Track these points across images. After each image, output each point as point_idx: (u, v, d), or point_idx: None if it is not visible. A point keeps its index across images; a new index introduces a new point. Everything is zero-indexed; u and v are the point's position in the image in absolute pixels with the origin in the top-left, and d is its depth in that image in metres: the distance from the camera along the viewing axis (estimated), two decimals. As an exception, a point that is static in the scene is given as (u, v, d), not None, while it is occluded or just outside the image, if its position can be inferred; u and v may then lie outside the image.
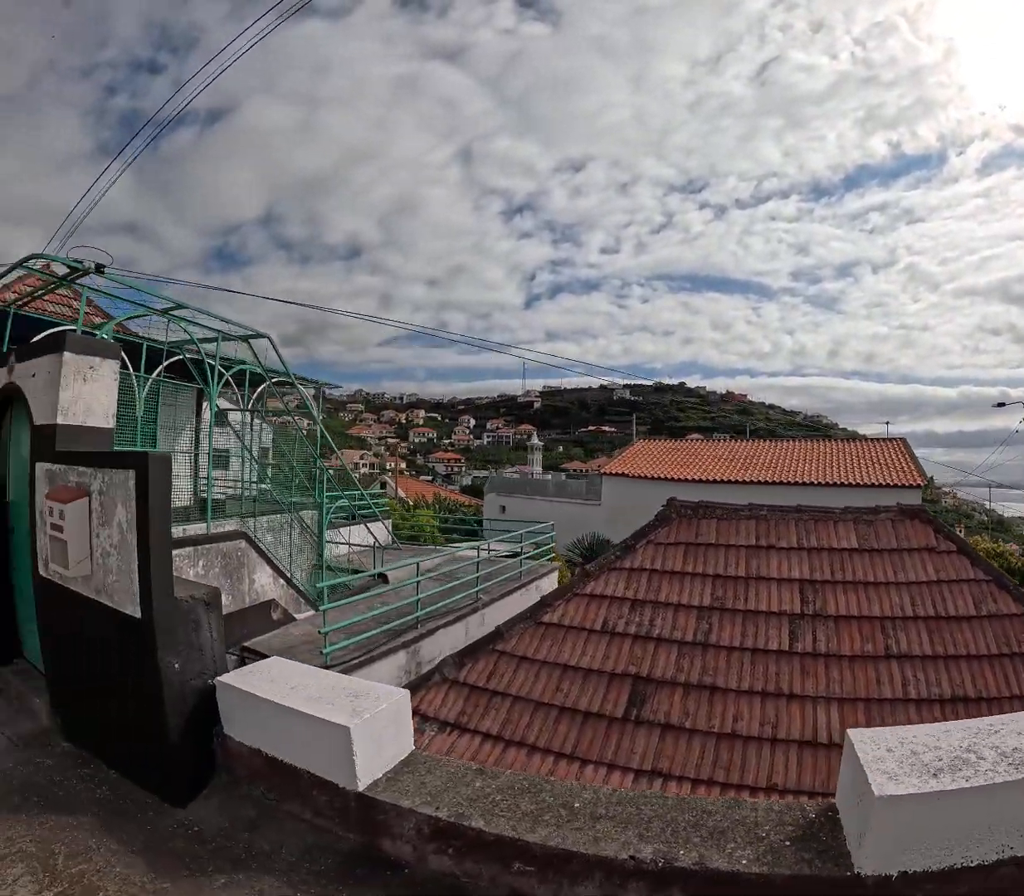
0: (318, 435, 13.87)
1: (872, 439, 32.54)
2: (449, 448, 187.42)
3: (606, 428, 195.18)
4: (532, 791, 3.64)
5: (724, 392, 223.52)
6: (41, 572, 5.74)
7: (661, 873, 2.89)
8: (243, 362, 10.33)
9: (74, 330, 5.71)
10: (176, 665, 4.54)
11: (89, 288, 6.66)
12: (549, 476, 57.06)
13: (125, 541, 4.60)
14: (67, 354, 5.38)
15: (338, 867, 3.79)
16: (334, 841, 3.98)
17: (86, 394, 5.52)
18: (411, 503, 47.63)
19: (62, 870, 3.85)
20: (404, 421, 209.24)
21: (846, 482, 26.28)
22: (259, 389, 12.95)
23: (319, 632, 6.97)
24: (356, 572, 12.84)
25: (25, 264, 6.11)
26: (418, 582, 8.74)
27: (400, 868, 3.64)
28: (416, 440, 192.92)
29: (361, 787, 3.79)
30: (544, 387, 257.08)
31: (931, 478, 26.76)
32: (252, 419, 13.05)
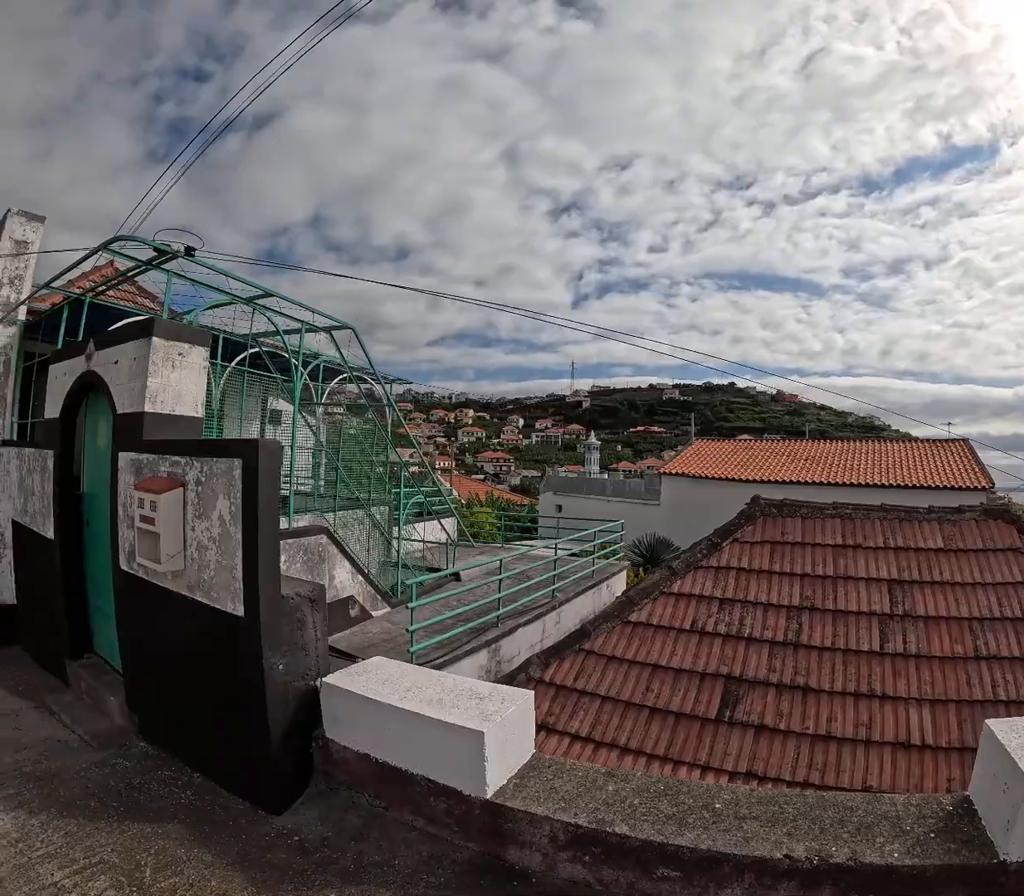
0: (389, 429, 13.58)
1: (935, 440, 31.71)
2: (498, 448, 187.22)
3: (655, 428, 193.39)
4: (670, 793, 3.52)
5: (774, 392, 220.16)
6: (123, 566, 5.57)
7: (814, 871, 2.86)
8: (318, 355, 10.13)
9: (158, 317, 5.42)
10: (280, 666, 4.32)
11: (174, 273, 6.42)
12: (606, 476, 56.65)
13: (227, 534, 4.38)
14: (156, 339, 5.19)
15: (459, 878, 3.56)
16: (452, 850, 3.76)
17: (175, 381, 5.34)
18: (464, 502, 47.55)
19: (151, 884, 3.62)
20: (453, 420, 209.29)
21: (911, 484, 25.57)
22: (331, 383, 12.73)
23: (407, 630, 6.75)
24: (432, 570, 12.67)
25: (109, 248, 5.89)
26: (501, 580, 8.54)
27: (527, 877, 3.47)
28: (465, 439, 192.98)
29: (489, 794, 3.60)
30: (593, 387, 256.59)
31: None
32: (320, 413, 12.79)
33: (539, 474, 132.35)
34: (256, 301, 7.71)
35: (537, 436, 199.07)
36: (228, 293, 7.35)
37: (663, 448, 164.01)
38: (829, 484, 25.95)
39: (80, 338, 7.93)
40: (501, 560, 9.06)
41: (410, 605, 6.48)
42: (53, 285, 7.97)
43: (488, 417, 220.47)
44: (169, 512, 4.66)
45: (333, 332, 9.25)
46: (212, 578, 4.52)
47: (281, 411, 13.22)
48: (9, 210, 9.10)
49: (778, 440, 38.43)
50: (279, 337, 8.81)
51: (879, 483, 25.80)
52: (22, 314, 9.30)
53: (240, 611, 4.29)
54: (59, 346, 7.84)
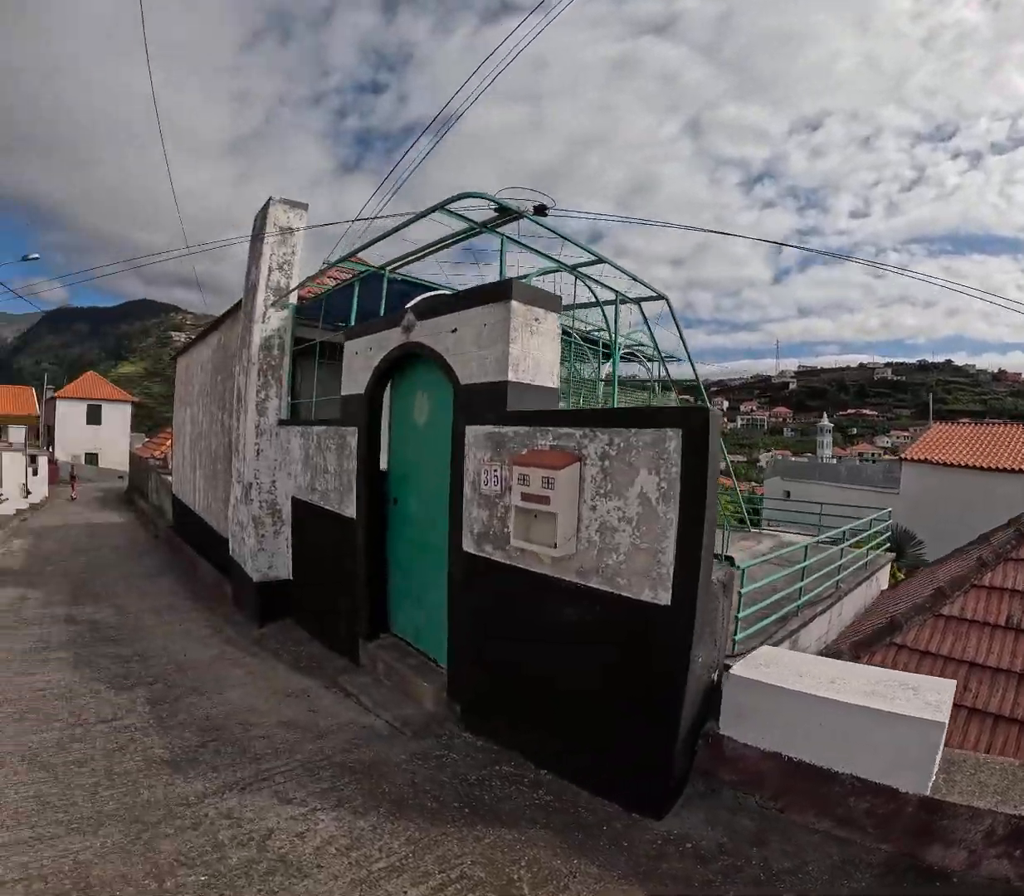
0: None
1: None
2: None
3: (866, 411, 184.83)
4: (1089, 782, 3.45)
5: (996, 371, 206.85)
6: (467, 548, 5.34)
7: None
8: (602, 329, 9.73)
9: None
10: (700, 658, 3.98)
11: (508, 237, 6.08)
12: (836, 460, 54.73)
13: (651, 514, 3.95)
14: (515, 303, 4.90)
15: (879, 881, 3.31)
16: (863, 853, 3.47)
17: (534, 348, 5.02)
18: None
19: (536, 905, 3.23)
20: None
21: None
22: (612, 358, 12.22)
23: (735, 616, 6.33)
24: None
25: (445, 208, 5.59)
26: (804, 568, 8.03)
27: (947, 877, 3.28)
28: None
29: (928, 790, 3.42)
30: (799, 367, 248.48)
31: None
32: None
33: (744, 458, 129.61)
34: (579, 269, 7.36)
35: (742, 419, 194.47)
36: (554, 260, 6.94)
37: (876, 432, 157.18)
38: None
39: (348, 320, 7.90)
40: (805, 547, 8.53)
41: (742, 590, 6.06)
42: (356, 257, 7.83)
43: (692, 400, 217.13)
44: (567, 490, 4.29)
45: (643, 303, 8.78)
46: (621, 563, 4.11)
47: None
48: (270, 199, 9.42)
49: (991, 424, 35.22)
50: (598, 309, 8.44)
51: None
52: (293, 298, 9.63)
53: (664, 600, 3.87)
54: (351, 324, 7.74)
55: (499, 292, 5.02)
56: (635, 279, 7.74)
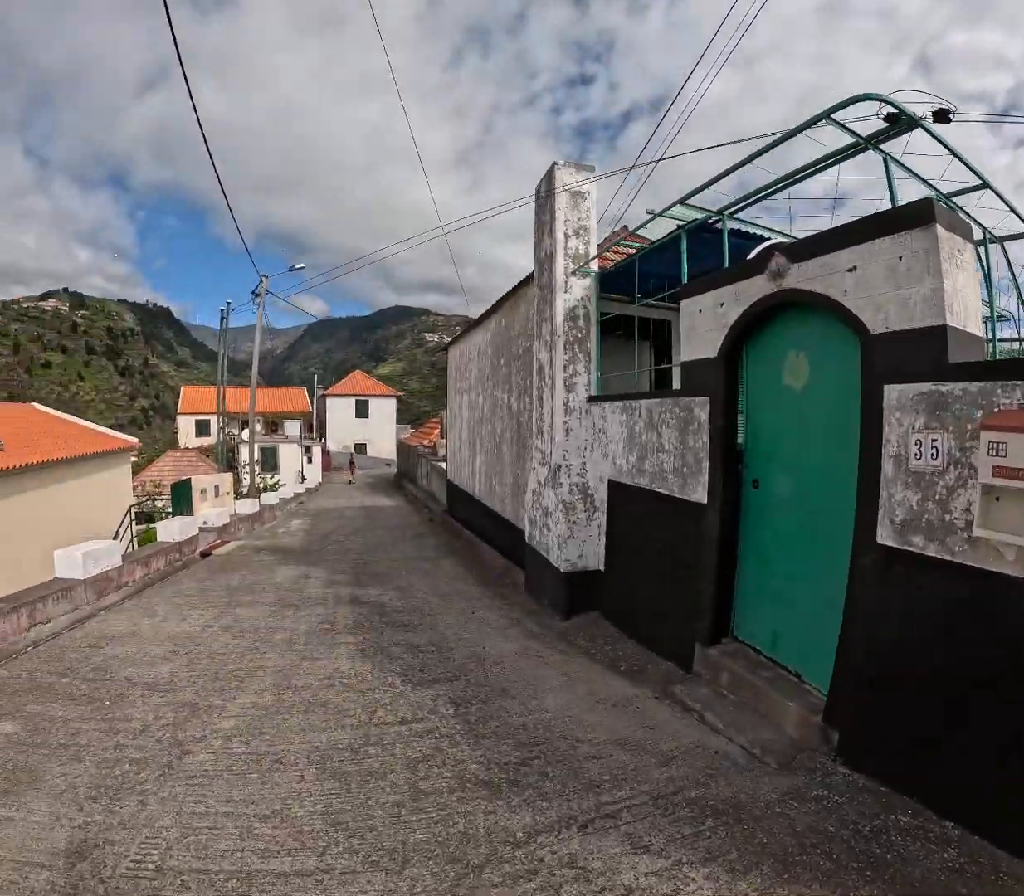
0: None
1: None
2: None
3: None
4: None
5: None
6: (884, 540, 4.29)
7: None
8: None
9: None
10: None
11: (891, 157, 4.98)
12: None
13: None
14: (940, 229, 3.92)
15: None
16: None
17: (961, 286, 4.00)
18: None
19: None
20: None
21: None
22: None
23: None
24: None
25: (831, 117, 4.56)
26: None
27: None
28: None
29: None
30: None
31: None
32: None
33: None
34: (954, 199, 6.06)
35: None
36: (932, 186, 5.58)
37: None
38: None
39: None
40: None
41: None
42: (687, 203, 6.84)
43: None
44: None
45: (1006, 244, 7.15)
46: None
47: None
48: (555, 163, 8.99)
49: None
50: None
51: None
52: (594, 265, 9.08)
53: None
54: (684, 282, 6.97)
55: (918, 215, 4.02)
56: (1014, 211, 6.29)
